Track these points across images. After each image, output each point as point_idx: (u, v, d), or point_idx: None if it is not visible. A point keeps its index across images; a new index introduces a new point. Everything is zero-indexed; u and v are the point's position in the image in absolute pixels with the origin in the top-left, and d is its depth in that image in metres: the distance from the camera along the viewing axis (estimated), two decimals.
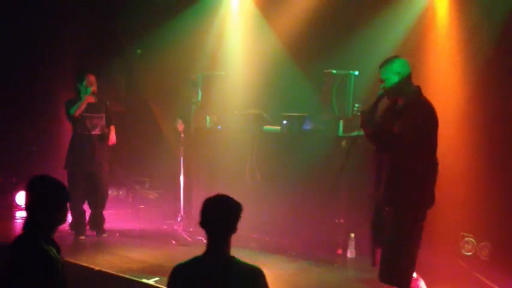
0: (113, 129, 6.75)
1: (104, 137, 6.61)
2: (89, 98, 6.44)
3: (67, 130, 9.10)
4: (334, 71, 6.01)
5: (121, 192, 8.55)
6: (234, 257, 2.96)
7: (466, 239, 6.03)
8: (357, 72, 6.06)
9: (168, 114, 8.21)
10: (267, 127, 6.81)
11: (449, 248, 6.05)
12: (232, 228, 2.96)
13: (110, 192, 8.36)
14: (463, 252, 6.03)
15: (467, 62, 6.06)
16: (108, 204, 6.85)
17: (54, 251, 2.98)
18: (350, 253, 6.06)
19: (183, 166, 6.81)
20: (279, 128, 6.66)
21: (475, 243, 5.99)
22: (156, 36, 8.17)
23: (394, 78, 4.40)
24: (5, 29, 8.26)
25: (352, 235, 6.05)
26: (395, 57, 4.53)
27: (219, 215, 2.95)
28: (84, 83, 6.47)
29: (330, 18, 6.97)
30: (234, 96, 7.39)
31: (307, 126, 6.51)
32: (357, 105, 5.79)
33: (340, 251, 6.14)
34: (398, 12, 6.57)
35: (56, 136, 9.11)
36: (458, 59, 6.12)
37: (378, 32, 6.65)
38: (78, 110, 6.41)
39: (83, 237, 6.53)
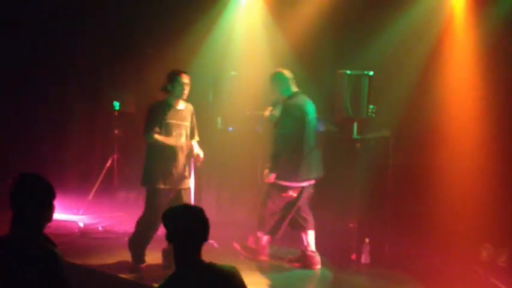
0: (196, 144, 5.68)
1: (188, 148, 5.62)
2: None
3: (81, 132, 9.11)
4: (348, 72, 5.89)
5: (131, 195, 8.47)
6: (211, 263, 2.89)
7: (484, 245, 5.90)
8: (371, 73, 5.92)
9: None
10: None
11: (466, 254, 5.93)
12: (205, 238, 2.89)
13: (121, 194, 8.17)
14: (481, 258, 5.90)
15: (486, 60, 5.98)
16: (118, 206, 6.71)
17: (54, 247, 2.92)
18: (364, 258, 5.95)
19: (194, 168, 6.72)
20: None
21: (493, 249, 5.86)
22: (167, 37, 8.10)
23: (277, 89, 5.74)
24: (16, 32, 8.25)
25: (367, 240, 5.94)
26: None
27: (192, 226, 2.87)
28: (176, 84, 5.45)
29: (341, 18, 6.91)
30: (245, 97, 7.31)
31: (320, 127, 6.40)
32: (371, 106, 5.70)
33: (354, 256, 6.02)
34: (413, 12, 6.47)
35: (68, 139, 9.11)
36: (476, 58, 6.03)
37: (392, 33, 6.54)
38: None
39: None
